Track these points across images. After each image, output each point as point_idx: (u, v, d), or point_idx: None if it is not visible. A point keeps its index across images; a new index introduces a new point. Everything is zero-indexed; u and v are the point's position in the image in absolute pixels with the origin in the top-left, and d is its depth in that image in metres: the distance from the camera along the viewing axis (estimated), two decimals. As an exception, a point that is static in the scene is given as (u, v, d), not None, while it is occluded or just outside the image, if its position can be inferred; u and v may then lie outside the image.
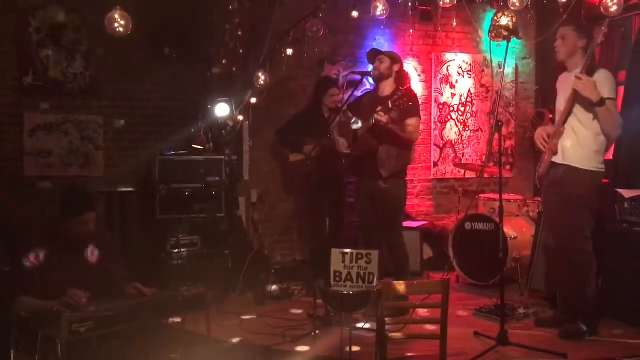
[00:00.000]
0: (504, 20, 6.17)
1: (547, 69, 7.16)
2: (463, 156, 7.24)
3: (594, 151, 4.17)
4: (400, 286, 3.40)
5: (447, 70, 7.15)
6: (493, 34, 6.38)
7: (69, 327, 2.97)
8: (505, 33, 5.94)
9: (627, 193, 4.69)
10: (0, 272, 4.43)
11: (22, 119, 5.70)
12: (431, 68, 7.09)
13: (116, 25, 4.64)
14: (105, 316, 3.11)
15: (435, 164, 7.15)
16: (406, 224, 5.91)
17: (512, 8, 5.48)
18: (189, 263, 5.26)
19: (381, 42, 6.76)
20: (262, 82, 5.78)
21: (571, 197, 4.16)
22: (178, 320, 3.67)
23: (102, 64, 5.92)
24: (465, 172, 6.90)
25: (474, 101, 7.29)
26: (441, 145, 7.18)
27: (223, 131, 5.75)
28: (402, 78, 4.92)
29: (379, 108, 4.53)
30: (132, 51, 5.72)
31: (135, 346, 3.29)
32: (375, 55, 4.86)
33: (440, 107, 7.15)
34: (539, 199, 5.12)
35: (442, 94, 7.15)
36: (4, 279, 4.33)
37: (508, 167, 7.36)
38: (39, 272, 3.42)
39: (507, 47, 4.86)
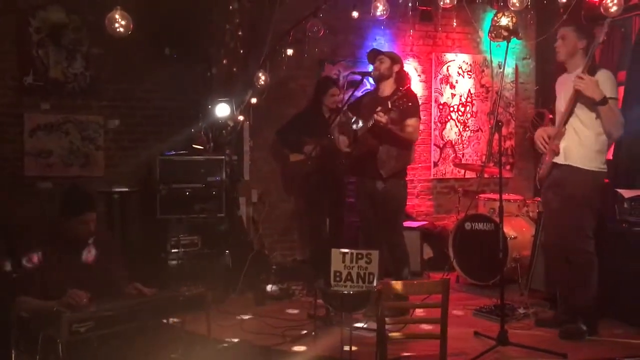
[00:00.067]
0: (504, 21, 6.18)
1: (547, 69, 7.17)
2: (463, 156, 7.24)
3: (596, 151, 4.17)
4: (400, 286, 3.41)
5: (447, 70, 7.15)
6: (493, 34, 6.39)
7: (69, 327, 2.97)
8: (505, 33, 5.95)
9: (626, 193, 4.69)
10: (0, 272, 4.43)
11: (23, 119, 5.70)
12: (431, 68, 7.09)
13: (116, 25, 4.64)
14: (105, 316, 3.11)
15: (435, 164, 7.16)
16: (406, 224, 5.91)
17: (512, 8, 5.48)
18: (189, 263, 5.26)
19: (381, 42, 6.76)
20: (262, 82, 5.78)
21: (573, 197, 4.17)
22: (178, 320, 3.67)
23: (103, 64, 5.92)
24: (465, 172, 6.91)
25: (474, 101, 7.29)
26: (441, 145, 7.18)
27: (223, 131, 5.75)
28: (402, 78, 4.92)
29: (379, 108, 4.54)
30: (132, 51, 5.73)
31: (136, 346, 3.29)
32: (375, 55, 4.86)
33: (440, 107, 7.15)
34: (539, 199, 5.12)
35: (442, 94, 7.15)
36: (4, 279, 4.33)
37: (508, 167, 7.36)
38: (39, 272, 3.43)
39: (507, 47, 4.87)
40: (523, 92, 7.52)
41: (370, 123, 4.59)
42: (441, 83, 7.14)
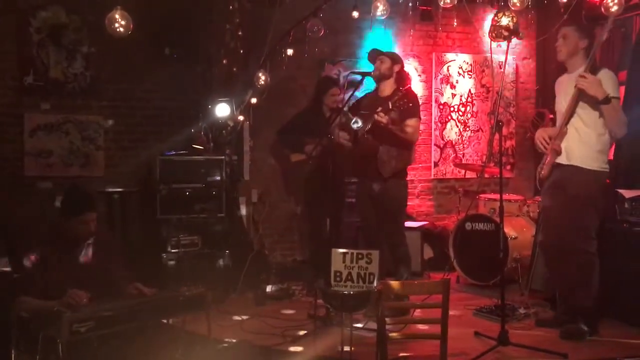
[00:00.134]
0: (505, 21, 6.19)
1: (547, 69, 7.17)
2: (463, 156, 7.24)
3: (598, 151, 4.17)
4: (401, 286, 3.40)
5: (448, 70, 7.15)
6: (493, 34, 6.39)
7: (69, 327, 2.97)
8: (506, 33, 5.95)
9: (627, 193, 4.69)
10: (1, 272, 4.43)
11: (23, 119, 5.71)
12: (431, 68, 7.09)
13: (116, 25, 4.63)
14: (105, 316, 3.12)
15: (436, 164, 7.15)
16: (407, 224, 5.90)
17: (512, 8, 5.48)
18: (189, 263, 5.26)
19: (382, 42, 6.76)
20: (262, 82, 5.77)
21: (576, 198, 4.16)
22: (178, 320, 3.67)
23: (103, 64, 5.92)
24: (465, 172, 6.90)
25: (474, 101, 7.29)
26: (441, 146, 7.18)
27: (223, 131, 5.75)
28: (402, 78, 4.92)
29: (379, 109, 4.53)
30: (132, 51, 5.73)
31: (136, 346, 3.29)
32: (376, 55, 4.86)
33: (441, 107, 7.15)
34: (539, 199, 5.12)
35: (442, 94, 7.15)
36: (4, 279, 4.33)
37: (508, 167, 7.36)
38: (39, 272, 3.42)
39: (508, 47, 4.86)
40: (523, 92, 7.52)
41: (369, 125, 4.59)
42: (441, 83, 7.13)
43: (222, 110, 5.62)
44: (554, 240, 4.36)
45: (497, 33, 6.34)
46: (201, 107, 5.85)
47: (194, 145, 5.61)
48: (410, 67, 6.88)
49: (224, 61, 5.81)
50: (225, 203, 5.48)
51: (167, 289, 3.74)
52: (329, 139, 5.16)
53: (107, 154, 5.98)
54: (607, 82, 4.05)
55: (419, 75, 7.06)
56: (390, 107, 4.54)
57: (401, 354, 3.91)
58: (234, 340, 4.21)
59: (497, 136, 4.19)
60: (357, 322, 4.37)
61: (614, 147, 5.04)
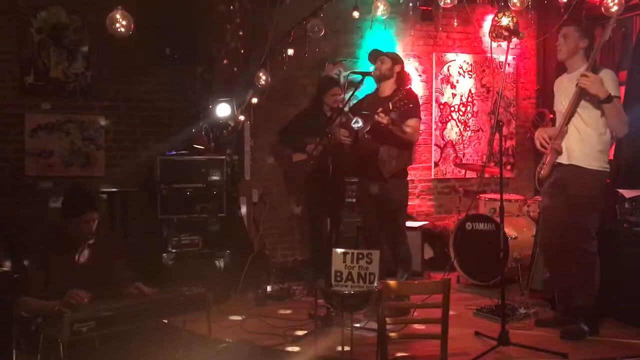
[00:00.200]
0: (505, 21, 6.20)
1: (548, 69, 7.17)
2: (464, 156, 7.24)
3: (599, 150, 4.18)
4: (401, 286, 3.41)
5: (448, 70, 7.15)
6: (494, 34, 6.40)
7: (70, 327, 2.97)
8: (506, 33, 5.95)
9: (627, 193, 4.69)
10: (1, 272, 4.43)
11: (23, 119, 5.71)
12: (432, 68, 7.09)
13: (117, 25, 4.64)
14: (106, 316, 3.12)
15: (436, 164, 7.15)
16: (407, 224, 5.90)
17: (512, 8, 5.48)
18: (189, 263, 5.26)
19: (382, 42, 6.76)
20: (263, 82, 5.77)
21: (577, 197, 4.17)
22: (179, 320, 3.68)
23: (103, 64, 5.93)
24: (466, 172, 6.90)
25: (474, 101, 7.29)
26: (442, 145, 7.18)
27: (224, 131, 5.75)
28: (403, 79, 4.92)
29: (380, 109, 4.53)
30: (133, 51, 5.73)
31: (136, 346, 3.30)
32: (376, 55, 4.86)
33: (441, 107, 7.15)
34: (540, 198, 5.12)
35: (442, 94, 7.15)
36: (4, 279, 4.33)
37: (509, 167, 7.36)
38: (40, 272, 3.43)
39: (508, 47, 4.86)
40: (524, 92, 7.52)
41: (368, 126, 4.59)
42: (442, 83, 7.13)
43: (222, 110, 5.62)
44: (554, 240, 4.36)
45: (498, 33, 6.36)
46: (202, 107, 5.85)
47: (195, 145, 5.61)
48: (411, 67, 6.88)
49: (225, 61, 5.81)
50: (226, 203, 5.48)
51: (168, 289, 3.74)
52: (329, 138, 5.17)
53: (108, 154, 5.98)
54: (608, 81, 4.06)
55: (420, 75, 7.06)
56: (391, 107, 4.54)
57: (401, 354, 3.92)
58: (235, 340, 4.22)
59: (497, 136, 4.19)
60: (358, 322, 4.37)
61: (614, 146, 5.04)
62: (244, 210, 5.99)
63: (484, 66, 7.28)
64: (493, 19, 6.43)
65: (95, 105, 5.95)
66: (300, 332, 4.35)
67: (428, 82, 7.10)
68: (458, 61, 7.19)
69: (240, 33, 5.78)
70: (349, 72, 6.41)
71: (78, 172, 5.86)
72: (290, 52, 5.93)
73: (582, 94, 4.10)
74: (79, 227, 3.52)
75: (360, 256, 3.50)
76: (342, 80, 6.47)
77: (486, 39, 7.00)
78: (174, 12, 5.72)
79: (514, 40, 5.56)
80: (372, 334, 4.01)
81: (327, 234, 5.70)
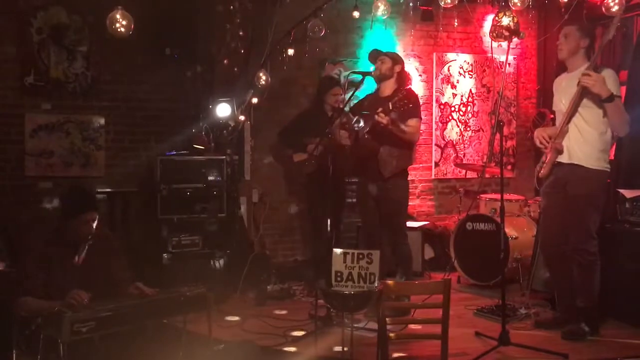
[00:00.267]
0: (505, 20, 6.19)
1: (548, 69, 7.17)
2: (464, 156, 7.23)
3: (600, 150, 4.17)
4: (402, 286, 3.40)
5: (449, 70, 7.15)
6: (494, 34, 6.39)
7: (70, 327, 2.97)
8: (507, 33, 5.95)
9: (628, 193, 4.69)
10: (1, 272, 4.43)
11: (24, 119, 5.70)
12: (432, 68, 7.08)
13: (117, 25, 4.63)
14: (106, 316, 3.12)
15: (437, 164, 7.15)
16: (407, 224, 5.90)
17: (513, 8, 5.47)
18: (190, 263, 5.26)
19: (382, 42, 6.75)
20: (263, 82, 5.77)
21: (577, 197, 4.16)
22: (179, 320, 3.67)
23: (104, 64, 5.92)
24: (466, 172, 6.90)
25: (475, 101, 7.29)
26: (442, 146, 7.17)
27: (224, 131, 5.75)
28: (403, 79, 4.92)
29: (380, 109, 4.53)
30: (133, 51, 5.73)
31: (137, 346, 3.30)
32: (376, 55, 4.86)
33: (442, 107, 7.15)
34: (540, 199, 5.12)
35: (443, 94, 7.15)
36: (4, 279, 4.33)
37: (509, 167, 7.36)
38: (41, 272, 3.43)
39: (509, 47, 4.86)
40: (524, 92, 7.52)
41: (368, 127, 4.59)
42: (442, 83, 7.13)
43: (222, 110, 5.62)
44: (555, 240, 4.35)
45: (498, 33, 6.35)
46: (202, 107, 5.85)
47: (195, 145, 5.61)
48: (411, 67, 6.88)
49: (225, 61, 5.81)
50: (226, 203, 5.48)
51: (168, 289, 3.74)
52: (329, 138, 5.17)
53: (108, 154, 5.98)
54: (609, 80, 4.06)
55: (420, 75, 7.05)
56: (391, 107, 4.54)
57: (402, 354, 3.91)
58: (234, 340, 4.21)
59: (498, 136, 4.18)
60: (358, 322, 4.37)
61: (614, 147, 5.04)
62: (244, 210, 5.98)
63: (484, 66, 7.28)
64: (494, 19, 6.42)
65: (95, 105, 5.94)
66: (300, 333, 4.34)
67: (428, 82, 7.09)
68: (458, 61, 7.19)
69: (240, 33, 5.77)
70: (349, 72, 6.44)
71: (78, 172, 5.85)
72: (291, 52, 5.93)
73: (583, 93, 4.10)
74: (78, 228, 3.52)
75: (361, 256, 3.50)
76: (342, 80, 6.48)
77: (487, 39, 7.00)
78: (174, 12, 5.73)
79: (515, 40, 5.56)
80: (373, 334, 4.01)
81: (328, 234, 5.72)
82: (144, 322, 3.36)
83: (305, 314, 4.74)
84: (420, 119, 4.91)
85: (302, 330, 4.39)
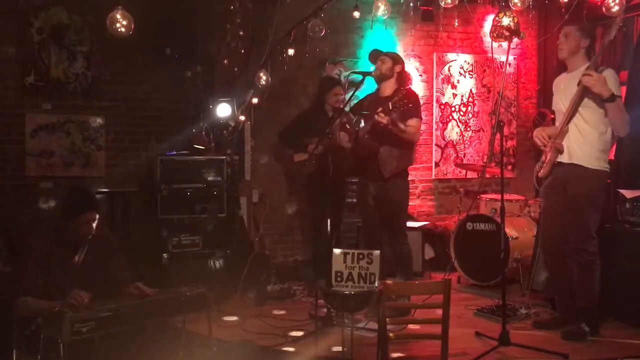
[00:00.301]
0: (506, 21, 6.19)
1: (549, 69, 7.16)
2: (464, 156, 7.23)
3: (600, 150, 4.17)
4: (402, 286, 3.40)
5: (449, 70, 7.15)
6: (495, 34, 6.40)
7: (71, 327, 2.98)
8: (507, 33, 5.95)
9: (628, 193, 4.68)
10: (1, 272, 4.44)
11: (24, 119, 5.71)
12: (433, 68, 7.08)
13: (118, 25, 4.63)
14: (106, 316, 3.12)
15: (437, 164, 7.15)
16: (408, 224, 5.90)
17: (513, 8, 5.47)
18: (190, 263, 5.26)
19: (383, 42, 6.75)
20: (263, 82, 5.77)
21: (577, 197, 4.16)
22: (179, 320, 3.67)
23: (104, 64, 5.93)
24: (466, 173, 6.90)
25: (475, 101, 7.28)
26: (442, 146, 7.17)
27: (224, 131, 5.75)
28: (403, 79, 4.92)
29: (380, 109, 4.53)
30: (133, 51, 5.73)
31: (137, 346, 3.30)
32: (377, 55, 4.86)
33: (442, 107, 7.15)
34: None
35: (443, 94, 7.15)
36: (4, 279, 4.33)
37: (510, 167, 7.36)
38: (41, 272, 3.43)
39: (509, 47, 4.86)
40: (524, 92, 7.52)
41: (368, 126, 4.59)
42: (443, 83, 7.13)
43: (223, 110, 5.62)
44: (555, 240, 4.35)
45: (498, 33, 6.35)
46: (202, 107, 5.85)
47: (195, 146, 5.61)
48: (412, 67, 6.88)
49: (225, 61, 5.81)
50: (226, 203, 5.48)
51: (168, 289, 3.74)
52: (329, 138, 5.17)
53: (108, 154, 5.98)
54: (610, 80, 4.06)
55: (420, 75, 7.05)
56: (391, 107, 4.53)
57: (402, 354, 3.91)
58: (234, 340, 4.21)
59: (498, 136, 4.18)
60: (358, 322, 4.37)
61: (614, 147, 5.04)
62: (244, 210, 5.98)
63: (484, 66, 7.28)
64: (494, 19, 6.42)
65: (95, 105, 5.95)
66: (300, 333, 4.34)
67: (429, 82, 7.09)
68: (459, 61, 7.18)
69: (241, 33, 5.78)
70: (350, 72, 6.43)
71: (78, 172, 5.86)
72: (291, 52, 5.93)
73: (584, 93, 4.09)
74: (79, 228, 3.53)
75: (361, 256, 3.50)
76: (342, 80, 6.47)
77: (487, 39, 7.00)
78: (174, 12, 5.73)
79: (515, 40, 5.56)
80: (373, 334, 4.01)
81: (328, 234, 5.72)
82: (144, 322, 3.36)
83: (305, 314, 4.74)
84: (421, 119, 4.91)
85: (302, 330, 4.39)
